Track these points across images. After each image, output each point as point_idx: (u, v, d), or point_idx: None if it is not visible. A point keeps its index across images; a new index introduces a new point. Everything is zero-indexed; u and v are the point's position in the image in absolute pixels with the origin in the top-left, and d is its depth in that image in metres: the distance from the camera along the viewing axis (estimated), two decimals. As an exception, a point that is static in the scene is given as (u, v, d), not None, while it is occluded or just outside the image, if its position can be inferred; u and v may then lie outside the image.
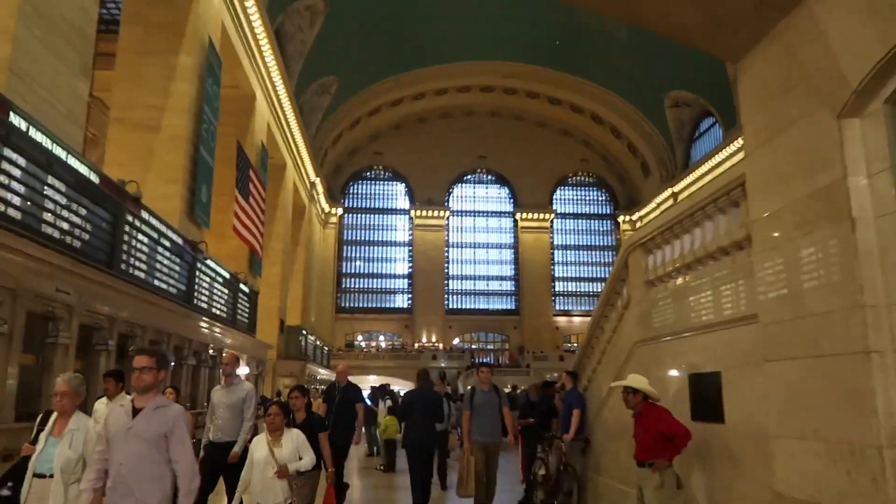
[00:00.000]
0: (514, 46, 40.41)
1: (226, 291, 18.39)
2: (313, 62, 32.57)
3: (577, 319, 52.34)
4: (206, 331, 16.96)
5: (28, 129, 8.04)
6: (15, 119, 7.74)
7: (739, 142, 32.24)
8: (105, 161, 16.10)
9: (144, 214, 12.38)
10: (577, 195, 55.91)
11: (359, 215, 53.58)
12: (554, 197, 55.10)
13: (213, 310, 17.10)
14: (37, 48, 9.89)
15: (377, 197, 54.09)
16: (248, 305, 21.21)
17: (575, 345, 47.00)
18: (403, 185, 53.77)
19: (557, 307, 53.75)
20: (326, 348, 40.13)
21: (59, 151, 8.97)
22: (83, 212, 9.67)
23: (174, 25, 17.10)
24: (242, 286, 20.47)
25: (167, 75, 16.66)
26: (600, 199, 55.84)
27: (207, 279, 16.60)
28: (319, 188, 42.64)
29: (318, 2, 29.49)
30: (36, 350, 9.20)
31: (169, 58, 16.83)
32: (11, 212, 7.82)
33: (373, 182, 53.88)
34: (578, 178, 55.37)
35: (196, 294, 15.59)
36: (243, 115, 23.92)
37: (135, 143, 16.18)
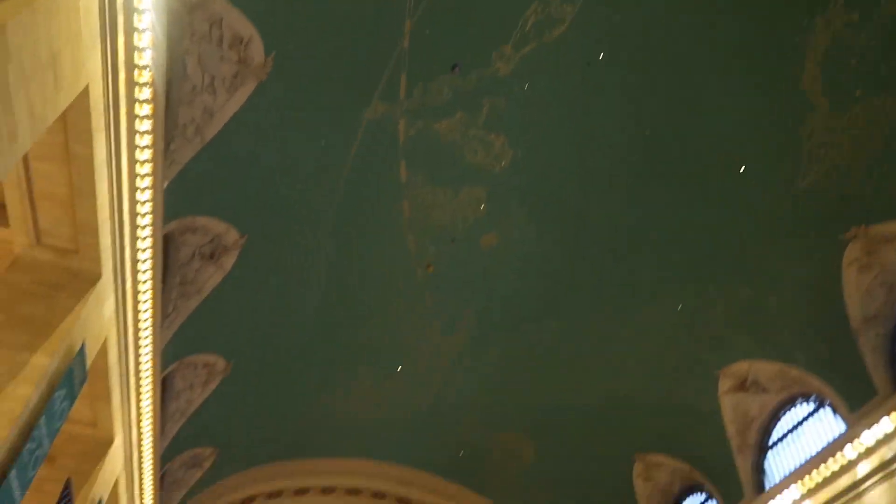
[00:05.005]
0: (414, 450, 37.86)
1: None
2: (194, 427, 28.60)
3: None
4: None
5: None
6: None
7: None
8: None
9: None
10: None
11: None
12: None
13: None
14: None
15: None
16: None
17: None
18: None
19: None
20: None
21: None
22: None
23: (43, 322, 14.15)
24: None
25: (8, 372, 13.02)
26: None
27: None
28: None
29: (219, 360, 27.16)
30: None
31: (20, 354, 13.42)
32: None
33: None
34: None
35: None
36: (88, 461, 19.08)
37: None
